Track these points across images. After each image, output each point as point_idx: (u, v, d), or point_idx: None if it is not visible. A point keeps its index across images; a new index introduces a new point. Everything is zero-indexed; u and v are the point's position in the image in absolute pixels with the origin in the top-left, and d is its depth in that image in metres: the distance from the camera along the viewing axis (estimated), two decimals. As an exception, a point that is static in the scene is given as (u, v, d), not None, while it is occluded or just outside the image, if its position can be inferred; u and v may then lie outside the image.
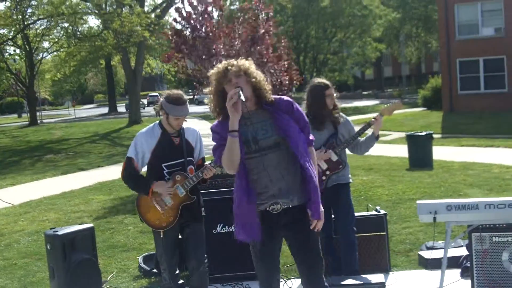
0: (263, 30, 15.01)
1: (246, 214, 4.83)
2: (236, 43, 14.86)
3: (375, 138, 7.15)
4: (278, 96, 4.94)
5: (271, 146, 4.79)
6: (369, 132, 7.22)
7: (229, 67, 4.77)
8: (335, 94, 7.15)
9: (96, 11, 41.53)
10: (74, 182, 18.60)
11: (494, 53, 37.88)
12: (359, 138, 7.19)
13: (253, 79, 4.79)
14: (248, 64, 4.85)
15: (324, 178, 7.05)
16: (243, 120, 4.77)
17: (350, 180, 7.32)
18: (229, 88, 4.72)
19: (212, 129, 4.96)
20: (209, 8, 15.50)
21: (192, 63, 15.68)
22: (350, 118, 7.47)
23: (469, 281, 6.66)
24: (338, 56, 65.69)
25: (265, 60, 14.72)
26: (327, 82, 7.10)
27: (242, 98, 4.63)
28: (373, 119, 7.05)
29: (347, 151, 7.25)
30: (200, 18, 15.33)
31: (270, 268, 5.01)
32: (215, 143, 4.94)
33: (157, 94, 68.49)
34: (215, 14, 16.16)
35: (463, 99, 39.01)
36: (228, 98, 4.63)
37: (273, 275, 5.04)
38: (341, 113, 7.29)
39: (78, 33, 44.46)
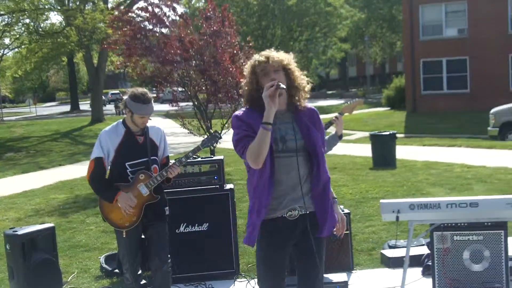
0: (215, 28, 14.92)
1: (260, 216, 4.60)
2: (190, 45, 14.79)
3: (338, 137, 7.14)
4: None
5: (297, 150, 4.59)
6: (332, 131, 7.22)
7: (269, 60, 4.58)
8: None
9: (59, 7, 41.11)
10: (35, 181, 18.38)
11: (457, 53, 38.35)
12: None
13: (292, 77, 4.64)
14: (289, 59, 4.68)
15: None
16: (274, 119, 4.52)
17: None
18: (265, 81, 4.53)
19: (237, 116, 4.63)
20: (166, 10, 15.43)
21: (151, 65, 15.64)
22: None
23: (430, 280, 6.70)
24: (304, 56, 65.79)
25: (223, 58, 14.61)
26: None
27: (283, 86, 4.49)
28: (334, 118, 7.03)
29: None
30: (160, 17, 15.26)
31: (267, 272, 4.77)
32: (237, 132, 4.59)
33: (118, 92, 67.90)
34: (174, 14, 16.02)
35: (426, 99, 39.42)
36: (266, 88, 4.42)
37: (270, 279, 4.78)
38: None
39: (40, 29, 43.91)
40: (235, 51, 15.10)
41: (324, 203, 4.71)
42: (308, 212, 4.64)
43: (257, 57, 4.65)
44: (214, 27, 14.87)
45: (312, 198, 4.66)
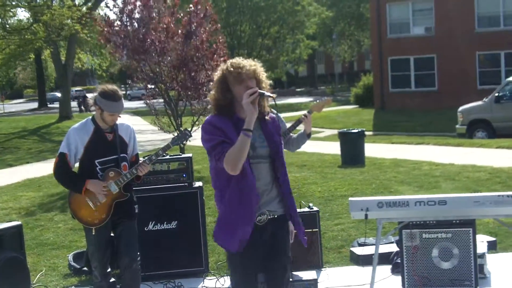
0: (195, 24, 14.86)
1: (246, 220, 4.64)
2: (167, 38, 14.68)
3: (306, 135, 7.14)
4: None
5: (264, 156, 4.71)
6: (301, 129, 7.22)
7: (244, 68, 4.62)
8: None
9: (26, 3, 40.69)
10: (2, 178, 18.18)
11: (425, 51, 38.65)
12: (291, 134, 7.18)
13: (261, 85, 4.70)
14: (259, 67, 4.75)
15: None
16: (242, 124, 4.58)
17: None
18: (239, 89, 4.60)
19: (210, 122, 4.66)
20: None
21: (124, 58, 15.50)
22: (282, 115, 7.46)
23: (399, 277, 6.75)
24: (272, 53, 65.85)
25: (199, 55, 14.58)
26: None
27: (268, 94, 4.64)
28: (303, 116, 7.03)
29: None
30: (138, 8, 15.13)
31: (242, 276, 4.81)
32: (211, 138, 4.62)
33: (82, 89, 67.25)
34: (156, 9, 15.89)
35: (394, 97, 39.69)
36: (246, 95, 4.51)
37: (244, 282, 4.82)
38: (272, 110, 7.26)
39: (7, 26, 43.43)
40: (217, 48, 15.09)
41: (292, 205, 4.85)
42: (276, 216, 4.75)
43: (229, 65, 4.69)
44: (195, 22, 14.83)
45: (280, 202, 4.78)
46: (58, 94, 66.40)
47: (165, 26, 14.66)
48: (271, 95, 4.65)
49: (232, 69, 4.64)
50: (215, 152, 4.57)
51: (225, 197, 4.69)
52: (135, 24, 15.31)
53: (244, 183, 4.59)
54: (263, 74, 4.74)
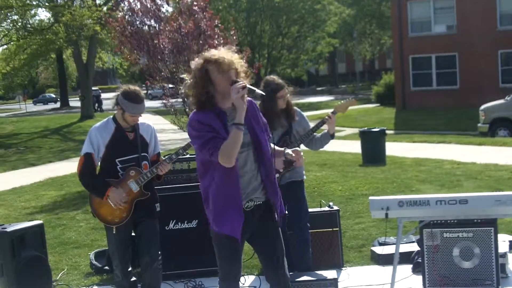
0: (204, 23, 14.84)
1: (235, 208, 4.80)
2: (179, 37, 14.68)
3: (330, 136, 7.17)
4: None
5: (246, 145, 4.82)
6: (325, 128, 7.23)
7: (225, 59, 4.70)
8: (290, 90, 7.15)
9: (47, 3, 40.93)
10: (25, 178, 18.33)
11: (446, 50, 38.40)
12: (314, 134, 7.19)
13: (240, 75, 4.78)
14: (237, 58, 4.81)
15: (277, 175, 7.05)
16: (226, 116, 4.77)
17: (304, 177, 7.34)
18: (220, 80, 4.69)
19: (197, 120, 4.75)
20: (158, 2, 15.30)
21: (144, 58, 15.52)
22: (304, 114, 7.48)
23: (420, 277, 6.72)
24: (292, 52, 65.75)
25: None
26: (280, 83, 7.05)
27: (259, 92, 4.82)
28: (326, 117, 7.04)
29: (302, 146, 7.24)
30: (150, 10, 15.16)
31: (239, 264, 5.03)
32: (201, 135, 4.71)
33: (98, 89, 67.35)
34: (165, 8, 15.91)
35: (416, 96, 39.49)
36: (235, 90, 4.60)
37: (239, 271, 5.07)
38: (296, 109, 7.27)
39: (29, 26, 43.73)
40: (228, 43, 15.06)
41: (275, 190, 5.01)
42: (261, 202, 4.94)
43: (208, 56, 4.75)
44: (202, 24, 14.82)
45: (264, 188, 4.93)
46: (53, 95, 66.57)
47: (177, 25, 14.67)
48: (260, 91, 4.83)
49: (213, 60, 4.71)
50: (208, 147, 4.66)
51: (213, 187, 4.82)
52: (145, 27, 15.37)
53: (230, 170, 4.71)
54: (241, 65, 4.81)
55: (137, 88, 6.30)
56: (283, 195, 6.94)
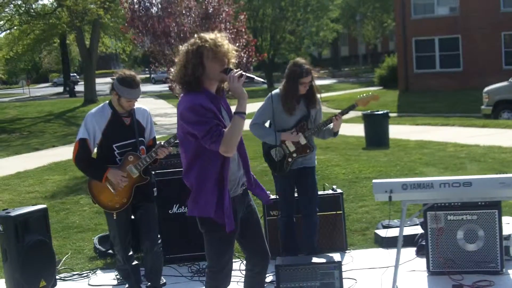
0: (212, 7, 14.80)
1: (228, 198, 4.79)
2: (185, 21, 14.65)
3: (333, 134, 7.21)
4: None
5: None
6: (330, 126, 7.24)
7: (223, 46, 4.66)
8: (319, 73, 7.16)
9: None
10: (28, 162, 18.34)
11: (449, 32, 38.25)
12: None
13: (231, 64, 4.76)
14: (232, 47, 4.77)
15: (290, 160, 7.06)
16: (216, 99, 4.75)
17: (315, 163, 7.36)
18: (213, 66, 4.64)
19: (201, 104, 4.57)
20: None
21: (148, 41, 15.51)
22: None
23: (424, 259, 6.72)
24: (295, 36, 65.51)
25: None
26: (306, 69, 6.95)
27: (259, 79, 4.86)
28: (334, 117, 7.05)
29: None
30: None
31: (232, 251, 5.02)
32: (206, 121, 4.56)
33: (75, 74, 66.82)
34: None
35: (419, 78, 39.38)
36: (234, 79, 4.55)
37: (231, 258, 5.03)
38: (318, 98, 7.25)
39: (32, 10, 43.63)
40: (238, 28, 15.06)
41: (252, 176, 5.10)
42: (245, 187, 5.03)
43: (207, 39, 4.67)
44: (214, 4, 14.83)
45: (245, 174, 5.02)
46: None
47: (187, 7, 14.63)
48: (260, 79, 4.85)
49: (211, 44, 4.63)
50: (211, 134, 4.55)
51: (210, 176, 4.76)
52: (154, 8, 15.34)
53: (227, 158, 4.72)
54: (234, 54, 4.77)
55: (132, 73, 6.27)
56: (293, 179, 7.01)
